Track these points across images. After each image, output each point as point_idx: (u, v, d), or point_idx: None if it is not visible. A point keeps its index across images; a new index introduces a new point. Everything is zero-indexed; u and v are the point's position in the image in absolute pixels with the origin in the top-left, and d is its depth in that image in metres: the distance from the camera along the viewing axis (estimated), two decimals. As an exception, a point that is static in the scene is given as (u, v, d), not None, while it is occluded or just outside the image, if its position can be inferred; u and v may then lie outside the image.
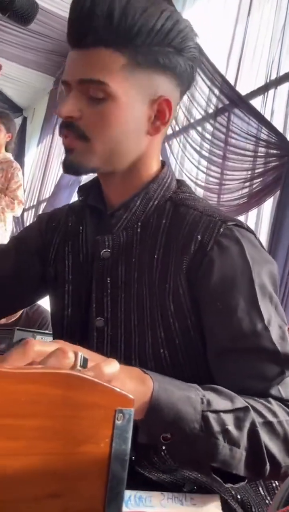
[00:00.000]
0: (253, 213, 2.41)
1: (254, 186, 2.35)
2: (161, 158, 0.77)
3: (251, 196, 2.34)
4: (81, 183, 0.83)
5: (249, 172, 2.38)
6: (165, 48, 0.65)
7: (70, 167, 0.69)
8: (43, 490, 0.31)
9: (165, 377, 0.53)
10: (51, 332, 0.87)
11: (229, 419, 0.53)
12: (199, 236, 0.66)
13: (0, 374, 0.29)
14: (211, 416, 0.52)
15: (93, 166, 0.69)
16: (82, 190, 0.79)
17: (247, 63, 2.70)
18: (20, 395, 0.30)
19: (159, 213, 0.71)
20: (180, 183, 0.77)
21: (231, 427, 0.53)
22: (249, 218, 2.41)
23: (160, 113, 0.68)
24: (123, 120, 0.66)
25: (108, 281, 0.71)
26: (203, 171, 2.70)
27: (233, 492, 0.62)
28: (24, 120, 5.46)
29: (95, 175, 0.79)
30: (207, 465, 0.53)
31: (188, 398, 0.52)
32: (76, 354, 0.40)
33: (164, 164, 0.76)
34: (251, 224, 2.41)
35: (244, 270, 0.65)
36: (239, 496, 0.63)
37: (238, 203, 2.39)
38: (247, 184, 2.38)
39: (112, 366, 0.43)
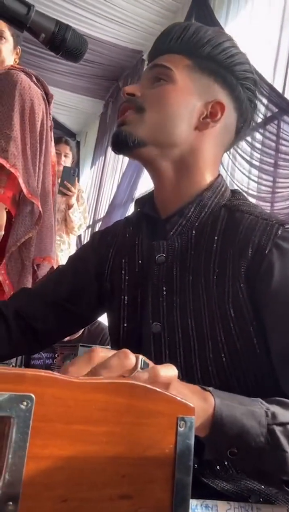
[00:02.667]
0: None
1: (309, 192, 2.29)
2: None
3: (306, 202, 2.29)
4: (136, 198, 0.86)
5: (303, 179, 2.33)
6: (227, 69, 0.76)
7: (119, 136, 0.73)
8: (116, 491, 0.33)
9: (226, 393, 0.52)
10: (112, 347, 0.90)
11: None
12: (256, 240, 0.66)
13: (73, 385, 0.32)
14: (277, 429, 0.51)
15: (142, 137, 0.73)
16: (139, 202, 0.83)
17: (295, 68, 2.66)
18: (90, 403, 0.33)
19: (214, 219, 0.72)
20: (235, 192, 0.79)
21: None
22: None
23: (212, 114, 0.75)
24: (177, 101, 0.74)
25: (164, 285, 0.72)
26: (254, 180, 2.68)
27: (300, 503, 0.61)
28: (78, 144, 5.68)
29: (148, 189, 0.83)
30: (277, 479, 0.52)
31: (252, 412, 0.51)
32: (137, 358, 0.42)
33: (218, 175, 0.79)
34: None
35: None
36: (307, 509, 0.61)
37: (292, 211, 2.34)
38: (302, 190, 2.33)
39: (169, 370, 0.43)
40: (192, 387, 0.49)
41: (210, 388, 0.51)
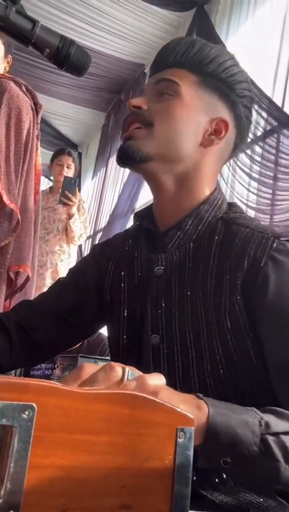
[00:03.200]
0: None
1: (308, 205, 2.31)
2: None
3: (305, 215, 2.30)
4: (136, 211, 0.87)
5: (302, 192, 2.34)
6: (229, 87, 0.77)
7: (126, 150, 0.74)
8: (116, 501, 0.34)
9: (220, 402, 0.52)
10: (112, 358, 0.89)
11: None
12: (251, 252, 0.67)
13: (75, 395, 0.33)
14: (270, 439, 0.51)
15: (149, 152, 0.73)
16: (138, 215, 0.84)
17: (294, 82, 2.69)
18: (92, 413, 0.33)
19: (211, 232, 0.74)
20: (231, 205, 0.80)
21: None
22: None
23: (216, 131, 0.77)
24: (185, 116, 0.75)
25: (162, 298, 0.73)
26: (253, 193, 2.70)
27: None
28: (79, 155, 5.72)
29: (149, 202, 0.83)
30: (270, 488, 0.53)
31: (245, 421, 0.51)
32: (124, 369, 0.43)
33: (215, 188, 0.80)
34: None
35: None
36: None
37: (292, 223, 2.36)
38: (301, 203, 2.34)
39: (156, 379, 0.44)
40: (182, 395, 0.49)
41: (204, 397, 0.51)
